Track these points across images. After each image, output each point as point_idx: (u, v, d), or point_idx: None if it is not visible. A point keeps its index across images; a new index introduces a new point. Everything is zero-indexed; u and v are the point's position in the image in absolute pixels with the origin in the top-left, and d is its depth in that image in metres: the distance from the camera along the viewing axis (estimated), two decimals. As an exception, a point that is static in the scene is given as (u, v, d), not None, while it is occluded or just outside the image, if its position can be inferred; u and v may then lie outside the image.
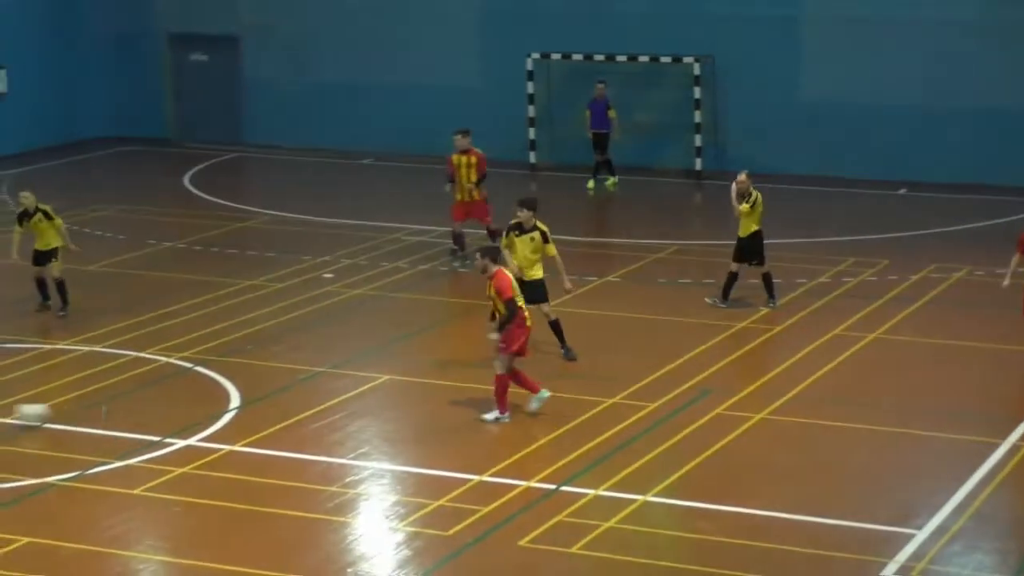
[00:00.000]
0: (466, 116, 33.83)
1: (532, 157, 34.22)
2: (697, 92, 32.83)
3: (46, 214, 22.82)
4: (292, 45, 36.42)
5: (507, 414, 18.18)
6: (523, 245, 20.32)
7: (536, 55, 33.88)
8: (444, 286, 25.10)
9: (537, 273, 20.37)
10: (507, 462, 16.89)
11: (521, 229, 20.38)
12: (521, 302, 18.27)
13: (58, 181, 32.95)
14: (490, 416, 18.22)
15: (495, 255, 18.81)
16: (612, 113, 31.90)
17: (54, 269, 22.86)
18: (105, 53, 37.43)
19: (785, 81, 32.64)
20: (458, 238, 25.81)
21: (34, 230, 22.85)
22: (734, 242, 22.82)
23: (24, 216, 22.88)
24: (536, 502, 15.81)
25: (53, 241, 22.80)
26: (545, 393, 18.31)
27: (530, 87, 34.09)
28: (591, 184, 32.26)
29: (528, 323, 18.24)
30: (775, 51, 32.64)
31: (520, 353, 18.22)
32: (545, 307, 20.38)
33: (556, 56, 33.90)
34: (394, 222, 28.43)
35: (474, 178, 25.56)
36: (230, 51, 36.96)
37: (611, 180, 32.28)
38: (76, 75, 36.93)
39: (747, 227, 22.61)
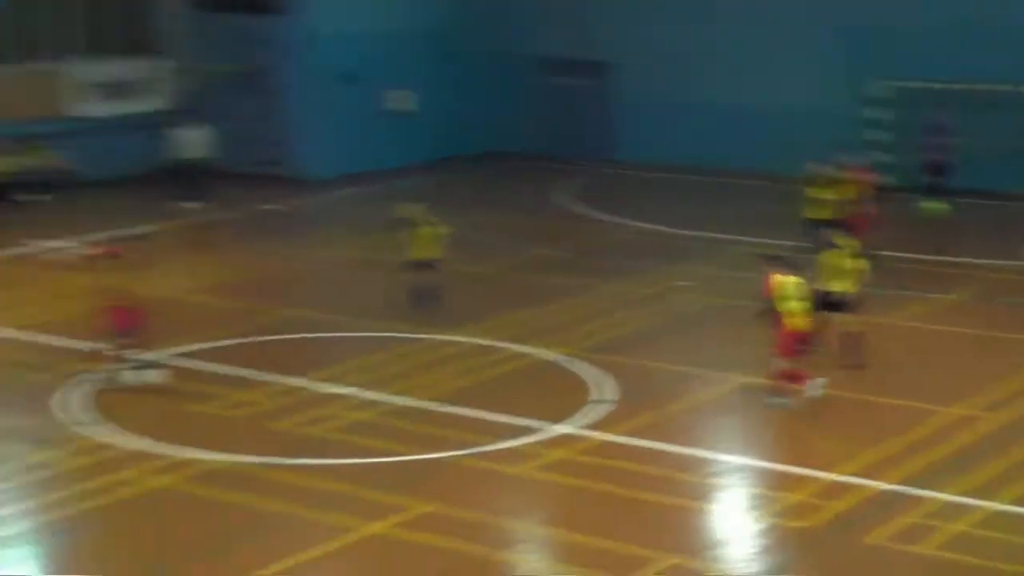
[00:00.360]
0: (811, 138, 33.82)
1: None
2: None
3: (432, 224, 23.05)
4: (658, 72, 36.48)
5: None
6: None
7: (888, 82, 33.27)
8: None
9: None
10: (858, 462, 16.69)
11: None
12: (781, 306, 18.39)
13: (446, 189, 33.77)
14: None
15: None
16: (952, 141, 31.01)
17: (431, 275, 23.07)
18: (495, 76, 38.03)
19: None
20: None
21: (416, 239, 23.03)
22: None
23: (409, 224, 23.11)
24: (885, 503, 15.58)
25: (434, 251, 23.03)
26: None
27: (880, 113, 33.52)
28: (925, 206, 31.11)
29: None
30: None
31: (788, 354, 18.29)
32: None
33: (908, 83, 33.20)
34: (741, 235, 28.25)
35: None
36: (600, 75, 37.21)
37: (939, 205, 30.83)
38: (466, 95, 37.67)
39: None
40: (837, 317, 20.10)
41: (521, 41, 37.91)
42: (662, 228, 29.52)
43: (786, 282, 18.52)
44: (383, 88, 35.80)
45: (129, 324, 19.25)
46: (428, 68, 36.65)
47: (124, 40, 34.65)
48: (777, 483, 16.29)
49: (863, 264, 20.18)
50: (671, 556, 14.20)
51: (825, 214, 25.32)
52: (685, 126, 35.93)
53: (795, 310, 18.41)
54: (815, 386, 18.44)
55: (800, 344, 18.50)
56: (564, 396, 19.03)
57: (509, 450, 17.11)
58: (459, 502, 15.54)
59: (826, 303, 19.72)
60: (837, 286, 20.06)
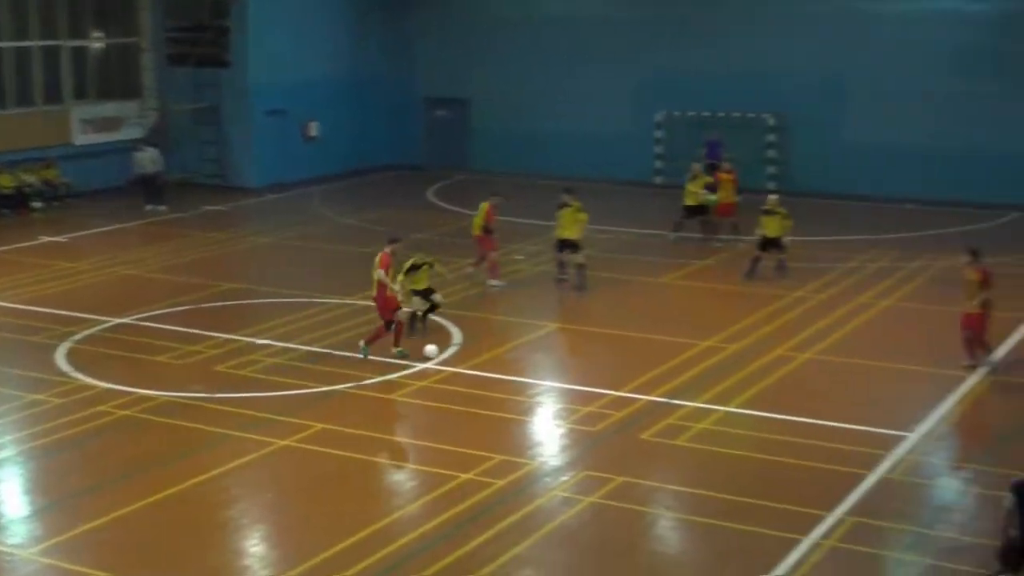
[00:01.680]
0: (613, 152, 34.13)
1: (657, 179, 33.93)
2: (772, 138, 32.22)
3: (579, 209, 22.12)
4: (500, 105, 36.47)
5: None
6: None
7: (663, 112, 33.60)
8: (602, 265, 24.91)
9: None
10: (635, 382, 16.86)
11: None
12: None
13: (349, 193, 33.57)
14: None
15: None
16: (725, 155, 30.37)
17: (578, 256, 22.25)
18: (384, 109, 37.68)
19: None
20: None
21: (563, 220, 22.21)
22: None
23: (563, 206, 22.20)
24: (653, 410, 15.80)
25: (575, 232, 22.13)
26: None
27: (658, 133, 33.80)
28: (711, 198, 31.12)
29: None
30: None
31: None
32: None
33: (676, 112, 33.56)
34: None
35: None
36: (463, 109, 37.21)
37: (713, 196, 30.87)
38: (366, 124, 37.40)
39: None
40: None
41: (409, 84, 37.69)
42: (501, 217, 29.40)
43: None
44: (303, 120, 35.46)
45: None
46: (339, 105, 36.32)
47: (117, 87, 34.34)
48: (577, 399, 16.44)
49: None
50: (501, 455, 14.30)
51: (693, 201, 25.95)
52: (522, 143, 35.88)
53: None
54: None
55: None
56: (427, 341, 18.89)
57: (385, 382, 17.08)
58: (348, 422, 15.50)
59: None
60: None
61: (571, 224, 22.30)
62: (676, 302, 21.65)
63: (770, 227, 22.67)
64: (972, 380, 16.73)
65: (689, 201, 26.09)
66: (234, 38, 34.17)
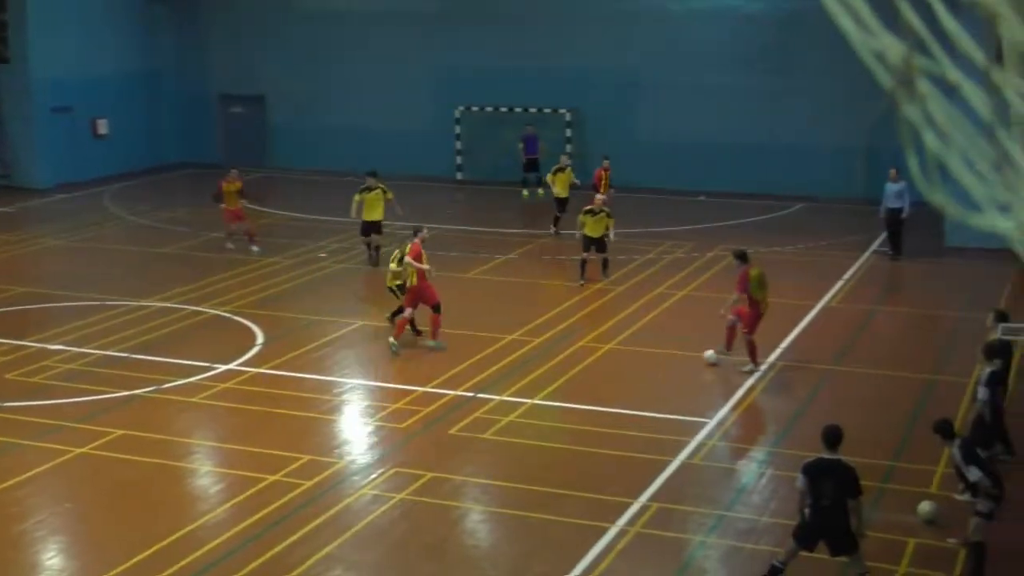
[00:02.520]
0: (413, 148, 34.12)
1: (459, 175, 34.10)
2: (568, 133, 32.87)
3: (383, 190, 23.18)
4: (298, 101, 36.02)
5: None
6: None
7: (461, 107, 33.77)
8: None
9: None
10: (442, 377, 16.93)
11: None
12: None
13: (141, 192, 32.61)
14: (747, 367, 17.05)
15: None
16: (542, 144, 31.27)
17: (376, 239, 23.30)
18: (177, 105, 36.82)
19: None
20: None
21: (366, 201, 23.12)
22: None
23: (366, 189, 23.12)
24: (460, 404, 15.89)
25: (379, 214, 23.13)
26: None
27: (457, 128, 33.96)
28: (526, 193, 31.59)
29: None
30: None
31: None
32: None
33: (475, 108, 33.75)
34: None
35: None
36: (258, 105, 36.59)
37: (540, 191, 31.22)
38: (158, 121, 36.38)
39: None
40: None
41: (202, 80, 36.78)
42: (302, 215, 29.21)
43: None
44: (91, 117, 34.20)
45: None
46: (129, 101, 35.17)
47: None
48: (384, 397, 16.40)
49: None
50: (307, 455, 14.15)
51: (566, 193, 26.37)
52: (321, 140, 35.52)
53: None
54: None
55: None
56: (228, 342, 18.65)
57: (185, 385, 16.65)
58: (149, 427, 15.08)
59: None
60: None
61: (376, 207, 23.12)
62: (482, 297, 21.76)
63: (592, 227, 22.75)
64: (765, 367, 17.36)
65: (561, 193, 26.25)
66: (12, 33, 32.68)
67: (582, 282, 22.05)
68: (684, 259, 24.38)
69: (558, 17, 33.15)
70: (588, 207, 22.41)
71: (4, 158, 33.28)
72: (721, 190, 31.11)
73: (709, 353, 17.34)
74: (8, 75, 32.79)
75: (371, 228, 23.36)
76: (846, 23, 3.32)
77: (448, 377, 16.92)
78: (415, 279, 17.95)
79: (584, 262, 22.15)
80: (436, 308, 18.11)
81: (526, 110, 33.14)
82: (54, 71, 32.88)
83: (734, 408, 15.83)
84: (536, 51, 33.14)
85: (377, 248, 23.40)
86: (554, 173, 26.79)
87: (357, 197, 23.49)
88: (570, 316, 20.19)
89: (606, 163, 26.86)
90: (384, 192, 23.34)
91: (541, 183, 30.91)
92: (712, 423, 15.20)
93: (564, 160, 27.40)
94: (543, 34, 33.19)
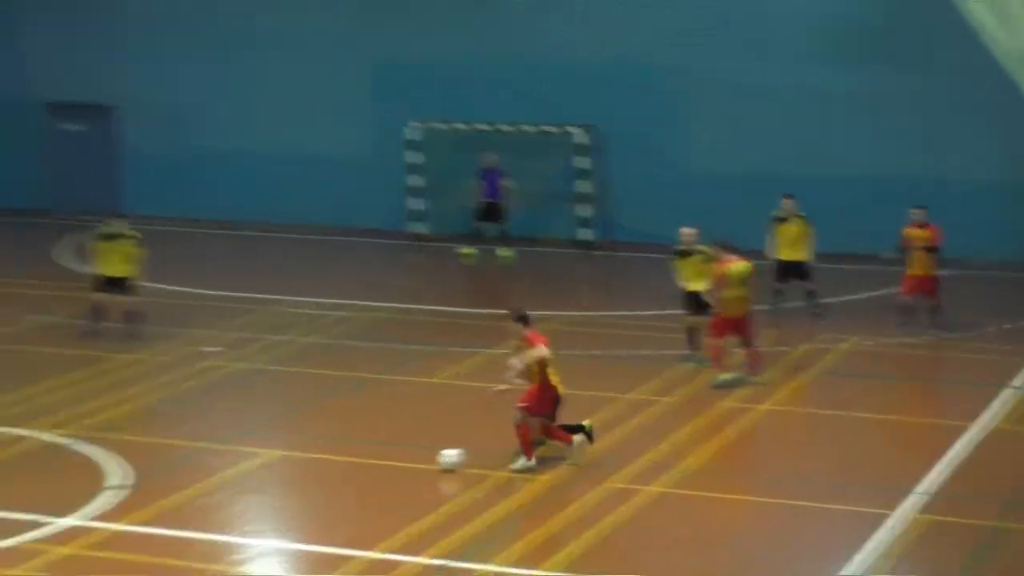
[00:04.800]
0: (347, 186, 34.25)
1: (419, 227, 34.21)
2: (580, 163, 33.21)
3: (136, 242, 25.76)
4: (169, 115, 36.30)
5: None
6: None
7: (417, 123, 34.00)
8: (331, 359, 24.89)
9: None
10: (400, 535, 16.80)
11: None
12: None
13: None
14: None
15: None
16: (507, 182, 31.88)
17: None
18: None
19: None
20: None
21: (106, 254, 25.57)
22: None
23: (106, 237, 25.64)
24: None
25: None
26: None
27: (411, 156, 34.16)
28: (467, 251, 32.10)
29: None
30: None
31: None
32: None
33: (440, 124, 33.99)
34: (276, 293, 28.41)
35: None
36: (105, 120, 36.86)
37: (508, 252, 32.04)
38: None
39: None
40: None
41: (20, 83, 37.19)
42: (183, 288, 29.25)
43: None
44: None
45: None
46: None
47: None
48: (312, 566, 16.31)
49: None
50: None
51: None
52: (200, 176, 35.91)
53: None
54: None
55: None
56: (71, 483, 18.53)
57: (6, 549, 16.54)
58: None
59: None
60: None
61: (122, 259, 25.47)
62: (457, 412, 21.70)
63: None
64: (892, 524, 17.40)
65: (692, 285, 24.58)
66: None
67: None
68: (767, 354, 24.44)
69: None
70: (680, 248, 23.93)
71: None
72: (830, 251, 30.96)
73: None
74: None
75: (113, 286, 25.56)
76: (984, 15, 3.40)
77: (410, 536, 16.82)
78: (536, 376, 19.06)
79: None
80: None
81: (517, 128, 33.29)
82: None
83: (850, 583, 15.84)
84: (532, 40, 33.46)
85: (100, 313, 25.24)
86: (681, 256, 24.58)
87: (92, 244, 26.09)
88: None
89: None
90: (136, 245, 25.71)
91: (504, 237, 31.54)
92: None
93: (687, 235, 24.44)
94: (541, 15, 33.54)
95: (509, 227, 32.13)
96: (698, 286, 23.57)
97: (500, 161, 32.27)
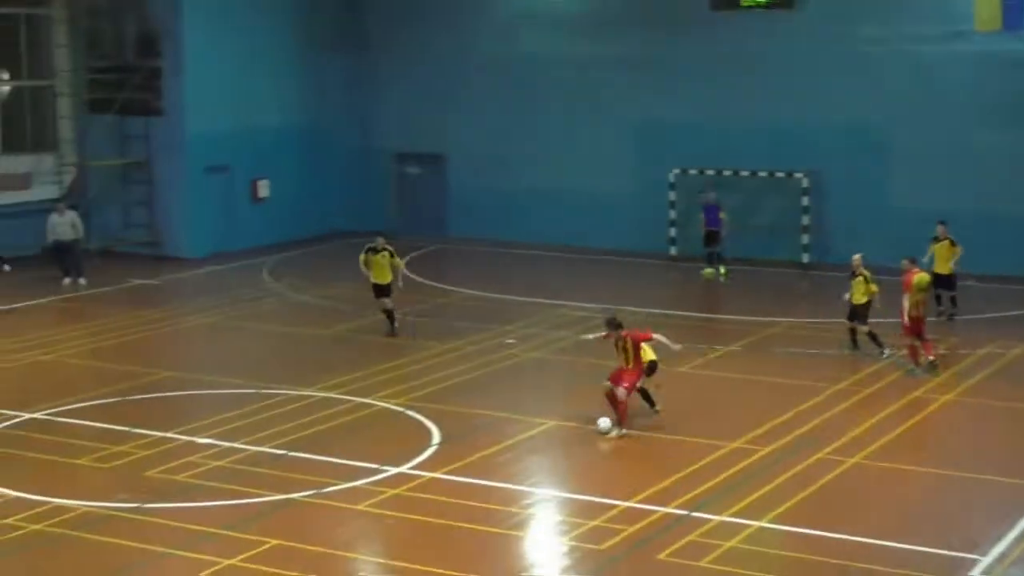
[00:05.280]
0: (618, 217, 34.34)
1: (672, 250, 34.00)
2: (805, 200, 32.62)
3: (391, 253, 25.25)
4: (488, 160, 36.71)
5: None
6: None
7: (676, 170, 33.83)
8: (597, 351, 24.80)
9: None
10: (649, 491, 16.74)
11: None
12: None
13: (303, 264, 33.57)
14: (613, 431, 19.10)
15: None
16: (723, 215, 31.51)
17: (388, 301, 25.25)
18: (345, 165, 37.92)
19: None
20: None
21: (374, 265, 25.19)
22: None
23: (372, 250, 25.26)
24: (672, 524, 15.65)
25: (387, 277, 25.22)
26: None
27: (672, 195, 33.99)
28: (709, 271, 31.77)
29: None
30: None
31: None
32: None
33: (692, 170, 33.79)
34: (560, 299, 28.46)
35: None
36: (438, 166, 37.49)
37: (724, 270, 31.58)
38: (325, 183, 37.54)
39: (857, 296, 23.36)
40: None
41: (373, 136, 38.00)
42: (487, 294, 29.53)
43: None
44: (250, 177, 35.52)
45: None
46: (291, 160, 36.45)
47: (28, 138, 34.46)
48: (581, 511, 16.27)
49: None
50: (489, 578, 14.16)
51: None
52: (507, 208, 36.19)
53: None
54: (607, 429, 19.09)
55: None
56: (400, 441, 18.89)
57: (349, 490, 16.85)
58: (304, 537, 15.28)
59: None
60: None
61: (385, 269, 25.09)
62: (696, 395, 21.51)
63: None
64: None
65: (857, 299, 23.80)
66: (167, 81, 34.23)
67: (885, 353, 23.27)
68: (948, 356, 23.67)
69: (789, 63, 33.01)
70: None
71: (151, 224, 34.71)
72: (989, 272, 29.95)
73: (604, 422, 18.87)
74: (159, 129, 34.31)
75: (382, 291, 25.13)
76: None
77: (657, 491, 16.72)
78: (632, 363, 19.25)
79: (853, 330, 23.69)
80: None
81: (754, 174, 32.99)
82: (209, 124, 34.21)
83: (1021, 539, 15.16)
84: (764, 103, 33.06)
85: (391, 314, 25.16)
86: (852, 277, 23.77)
87: (363, 257, 25.43)
88: (806, 422, 19.78)
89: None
90: (391, 256, 25.24)
91: (722, 260, 31.25)
92: (988, 559, 14.57)
93: (856, 260, 23.76)
94: (772, 83, 33.12)
95: (723, 250, 31.65)
96: (861, 300, 23.32)
97: (726, 199, 31.97)
